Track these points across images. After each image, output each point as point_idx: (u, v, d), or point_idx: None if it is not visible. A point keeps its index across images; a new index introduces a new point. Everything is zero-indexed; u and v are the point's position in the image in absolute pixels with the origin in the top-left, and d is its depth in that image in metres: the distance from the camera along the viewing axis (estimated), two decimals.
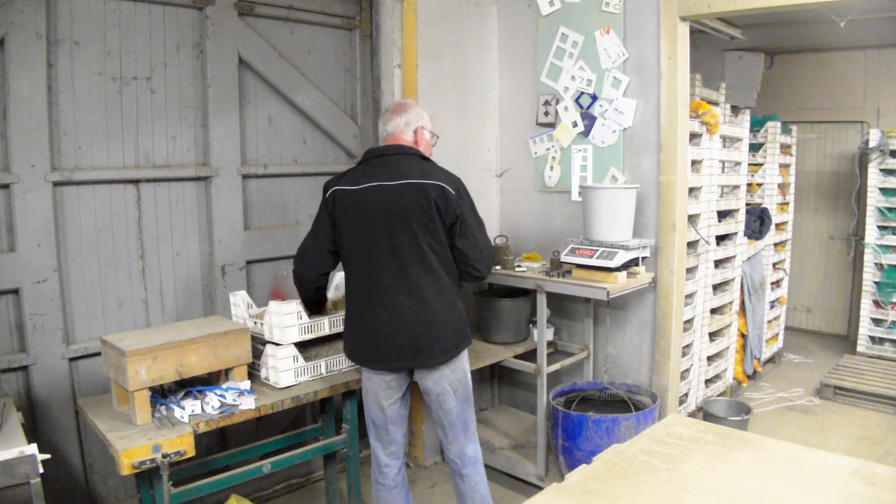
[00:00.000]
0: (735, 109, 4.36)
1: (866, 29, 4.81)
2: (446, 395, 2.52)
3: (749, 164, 4.67)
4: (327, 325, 2.74)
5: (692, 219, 3.69)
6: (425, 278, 2.41)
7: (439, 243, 2.43)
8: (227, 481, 2.46)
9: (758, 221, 4.60)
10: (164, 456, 2.10)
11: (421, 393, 2.60)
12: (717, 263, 4.14)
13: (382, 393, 2.54)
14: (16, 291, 2.62)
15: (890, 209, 5.14)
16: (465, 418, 2.57)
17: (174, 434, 2.16)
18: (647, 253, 3.29)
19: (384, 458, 2.62)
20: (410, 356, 2.44)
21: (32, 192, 2.60)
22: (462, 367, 2.55)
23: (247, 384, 2.49)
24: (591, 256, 3.12)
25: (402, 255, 2.40)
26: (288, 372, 2.60)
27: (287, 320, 2.59)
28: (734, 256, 4.30)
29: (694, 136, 3.71)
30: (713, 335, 4.22)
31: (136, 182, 2.89)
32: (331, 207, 2.48)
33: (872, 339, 5.24)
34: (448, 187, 2.41)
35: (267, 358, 2.62)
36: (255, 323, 2.72)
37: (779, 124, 5.00)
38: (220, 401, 2.36)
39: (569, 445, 3.11)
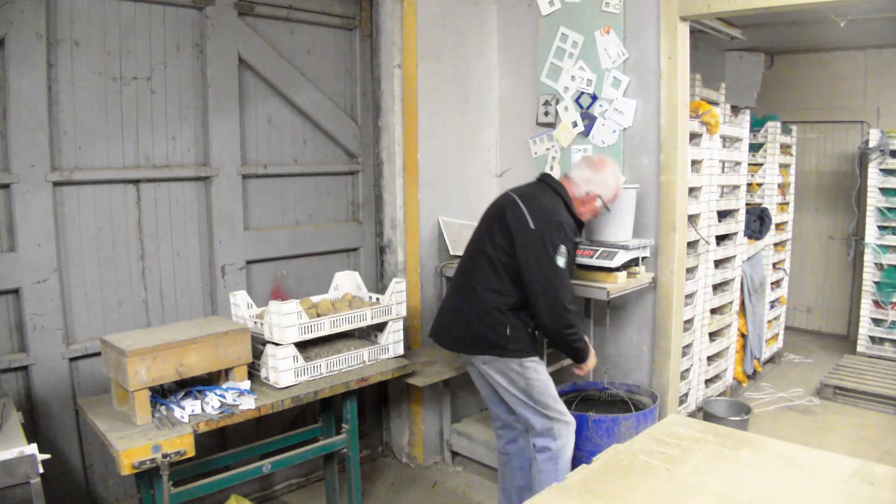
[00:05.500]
0: (735, 109, 4.36)
1: (866, 29, 4.80)
2: (500, 386, 2.73)
3: (749, 164, 4.67)
4: (327, 325, 2.74)
5: (692, 219, 3.69)
6: (474, 286, 2.67)
7: (501, 263, 2.62)
8: (227, 481, 2.47)
9: (758, 221, 4.60)
10: (164, 456, 2.10)
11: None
12: (717, 263, 4.14)
13: (471, 375, 2.89)
14: (16, 291, 2.62)
15: (890, 209, 5.14)
16: (533, 399, 2.69)
17: (174, 434, 2.16)
18: (647, 253, 3.29)
19: (496, 428, 2.98)
20: (455, 344, 2.79)
21: (32, 192, 2.60)
22: (511, 367, 2.65)
23: (247, 384, 2.49)
24: (591, 256, 3.12)
25: (471, 260, 2.74)
26: (288, 372, 2.60)
27: (287, 320, 2.59)
28: (734, 256, 4.31)
29: (694, 136, 3.71)
30: (713, 335, 4.22)
31: (136, 182, 2.89)
32: None
33: (872, 339, 5.24)
34: (531, 221, 2.56)
35: (267, 358, 2.62)
36: (255, 323, 2.72)
37: (779, 124, 5.00)
38: (220, 401, 2.36)
39: None
